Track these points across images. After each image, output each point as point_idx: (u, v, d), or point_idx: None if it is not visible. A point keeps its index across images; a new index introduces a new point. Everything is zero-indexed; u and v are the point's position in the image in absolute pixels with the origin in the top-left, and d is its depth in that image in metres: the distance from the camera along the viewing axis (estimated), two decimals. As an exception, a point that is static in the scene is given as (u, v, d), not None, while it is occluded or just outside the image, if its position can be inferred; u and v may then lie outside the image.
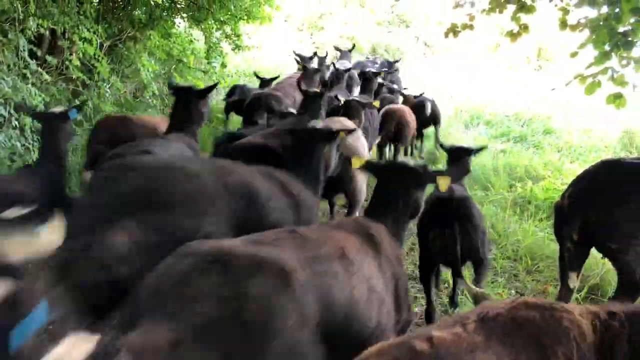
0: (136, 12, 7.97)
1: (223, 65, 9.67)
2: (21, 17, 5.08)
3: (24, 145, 4.73)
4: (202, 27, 9.07)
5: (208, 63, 9.68)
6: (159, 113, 7.81)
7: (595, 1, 4.67)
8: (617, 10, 4.34)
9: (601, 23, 4.46)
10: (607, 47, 4.42)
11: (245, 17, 9.37)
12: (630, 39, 4.33)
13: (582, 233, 3.13)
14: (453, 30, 5.82)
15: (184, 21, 9.57)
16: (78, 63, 5.66)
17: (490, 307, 1.81)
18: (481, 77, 16.91)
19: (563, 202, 3.31)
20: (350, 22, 29.98)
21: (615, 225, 2.99)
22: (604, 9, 4.59)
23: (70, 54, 5.93)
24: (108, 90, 6.23)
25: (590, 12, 4.86)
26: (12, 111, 4.76)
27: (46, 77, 5.26)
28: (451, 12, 6.57)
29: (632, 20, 4.29)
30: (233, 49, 9.73)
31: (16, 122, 4.65)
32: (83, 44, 5.77)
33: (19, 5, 4.94)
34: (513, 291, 4.30)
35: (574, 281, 3.29)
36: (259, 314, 1.80)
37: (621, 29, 4.38)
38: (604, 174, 3.27)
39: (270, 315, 1.81)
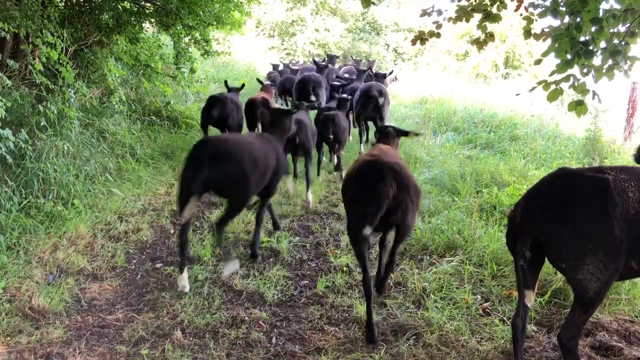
0: (103, 17, 7.86)
1: (192, 71, 9.60)
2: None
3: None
4: (171, 32, 8.99)
5: (177, 68, 9.60)
6: (125, 119, 7.70)
7: (557, 11, 4.77)
8: (578, 20, 4.44)
9: (563, 32, 4.55)
10: (568, 56, 4.51)
11: (215, 23, 9.33)
12: (590, 48, 4.43)
13: (534, 250, 3.08)
14: (420, 38, 5.87)
15: (153, 26, 9.48)
16: (41, 68, 5.54)
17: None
18: (450, 84, 17.09)
19: (516, 215, 3.21)
20: (322, 29, 30.10)
21: (563, 246, 2.92)
22: (566, 19, 4.69)
23: (34, 59, 5.81)
24: (73, 95, 6.11)
25: (553, 22, 4.96)
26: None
27: (7, 81, 5.14)
28: (419, 19, 6.64)
29: (592, 29, 4.39)
30: (202, 55, 9.66)
31: (-25, 127, 4.52)
32: (47, 48, 5.65)
33: (-21, 8, 4.84)
34: (479, 296, 4.33)
35: (530, 300, 3.18)
36: None
37: (582, 39, 4.48)
38: (553, 189, 3.14)
39: None
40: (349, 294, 4.36)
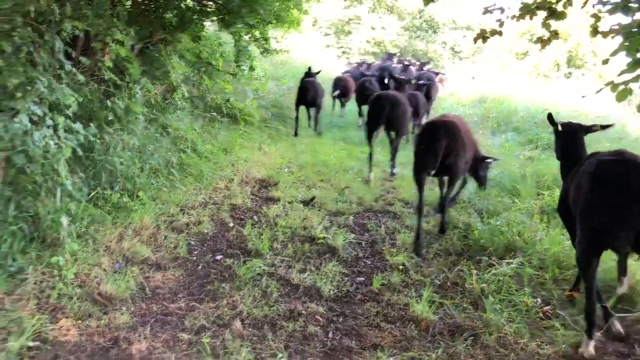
0: (167, 15, 8.10)
1: (251, 69, 9.75)
2: (57, 19, 5.21)
3: (56, 143, 4.81)
4: (232, 30, 9.17)
5: (237, 66, 9.78)
6: (187, 115, 7.91)
7: (629, 7, 4.60)
8: (651, 16, 4.28)
9: (635, 30, 4.39)
10: (639, 55, 4.35)
11: (274, 21, 9.45)
12: (664, 46, 4.26)
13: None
14: (482, 36, 5.79)
15: (214, 24, 9.69)
16: (111, 64, 5.77)
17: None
18: (509, 83, 16.71)
19: (608, 218, 3.31)
20: (378, 27, 29.97)
21: None
22: (638, 16, 4.52)
23: (103, 56, 6.05)
24: (139, 91, 6.33)
25: (624, 19, 4.79)
26: (46, 110, 4.86)
27: (80, 77, 5.37)
28: (479, 17, 6.60)
29: (667, 27, 4.22)
30: (261, 53, 9.81)
31: (50, 121, 4.74)
32: (115, 45, 5.88)
33: (56, 8, 5.07)
34: (539, 299, 4.25)
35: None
36: None
37: (656, 36, 4.30)
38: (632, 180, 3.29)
39: None
40: (405, 293, 4.35)
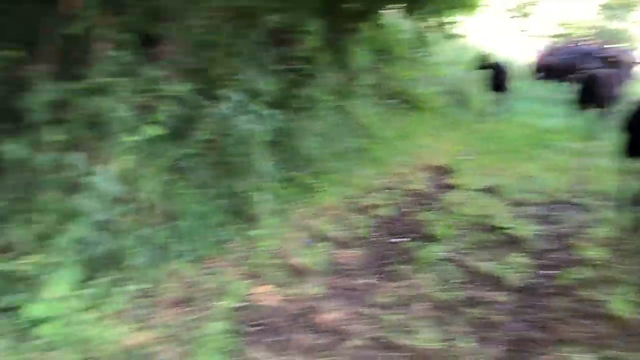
0: (352, 6, 8.38)
1: (430, 55, 9.73)
2: (257, 13, 5.72)
3: (255, 128, 5.28)
4: (413, 17, 9.21)
5: (416, 53, 9.82)
6: (368, 102, 8.16)
7: None
8: None
9: None
10: None
11: (457, 7, 9.31)
12: None
13: None
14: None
15: (397, 11, 9.81)
16: (303, 54, 6.18)
17: None
18: None
19: None
20: (566, 8, 27.96)
21: None
22: None
23: (296, 46, 6.48)
24: (326, 80, 6.68)
25: None
26: (246, 98, 5.36)
27: (275, 66, 5.83)
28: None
29: None
30: (443, 38, 9.74)
31: (250, 108, 5.22)
32: (307, 36, 6.27)
33: (257, 3, 5.58)
34: None
35: None
36: None
37: None
38: None
39: None
40: (598, 289, 4.09)
